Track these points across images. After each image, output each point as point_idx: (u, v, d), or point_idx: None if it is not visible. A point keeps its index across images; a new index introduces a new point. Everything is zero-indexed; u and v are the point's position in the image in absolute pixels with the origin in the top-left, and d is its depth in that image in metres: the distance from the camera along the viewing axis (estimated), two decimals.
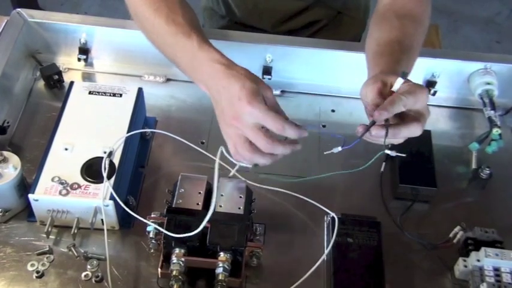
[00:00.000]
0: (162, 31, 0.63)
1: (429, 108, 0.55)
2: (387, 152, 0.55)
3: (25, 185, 0.64)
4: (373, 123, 0.54)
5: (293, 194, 0.66)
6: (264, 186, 0.67)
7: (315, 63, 0.78)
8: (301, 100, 0.79)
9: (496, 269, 0.58)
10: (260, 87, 0.55)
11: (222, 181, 0.62)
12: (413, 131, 0.54)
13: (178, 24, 0.62)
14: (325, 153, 0.57)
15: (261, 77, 0.78)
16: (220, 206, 0.60)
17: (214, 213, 0.59)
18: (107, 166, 0.61)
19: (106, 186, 0.60)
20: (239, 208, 0.60)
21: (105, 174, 0.60)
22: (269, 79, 0.78)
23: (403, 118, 0.55)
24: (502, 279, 0.57)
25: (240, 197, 0.61)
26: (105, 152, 0.63)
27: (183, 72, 0.64)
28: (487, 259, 0.58)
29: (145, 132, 0.71)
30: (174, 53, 0.63)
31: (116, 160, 0.63)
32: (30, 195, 0.60)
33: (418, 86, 0.54)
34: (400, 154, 0.56)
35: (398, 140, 0.56)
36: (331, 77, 0.79)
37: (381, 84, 0.55)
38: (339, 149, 0.56)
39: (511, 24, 2.02)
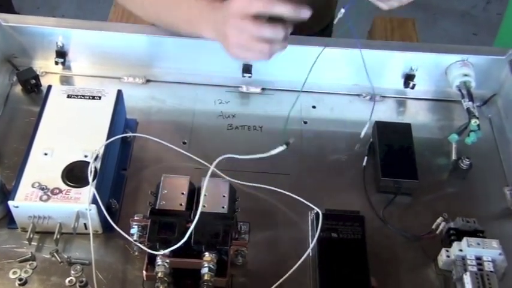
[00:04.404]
0: None
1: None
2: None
3: (4, 192, 0.63)
4: None
5: (277, 190, 0.66)
6: (248, 184, 0.67)
7: (295, 60, 0.78)
8: (282, 97, 0.79)
9: (478, 258, 0.59)
10: None
11: (205, 181, 0.62)
12: None
13: None
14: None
15: (241, 75, 0.78)
16: (204, 206, 0.60)
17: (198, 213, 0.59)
18: (93, 170, 0.60)
19: (88, 191, 0.59)
20: (223, 207, 0.60)
21: (90, 179, 0.60)
22: (249, 77, 0.78)
23: None
24: (484, 267, 0.58)
25: (224, 196, 0.61)
26: (86, 156, 0.62)
27: (184, 31, 0.69)
28: (469, 248, 0.59)
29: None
30: (177, 11, 0.68)
31: (97, 164, 0.62)
32: (10, 202, 0.59)
33: None
34: None
35: None
36: (311, 73, 0.79)
37: None
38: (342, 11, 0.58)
39: (488, 16, 2.05)
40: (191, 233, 0.56)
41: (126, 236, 0.58)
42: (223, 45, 0.65)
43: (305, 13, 0.58)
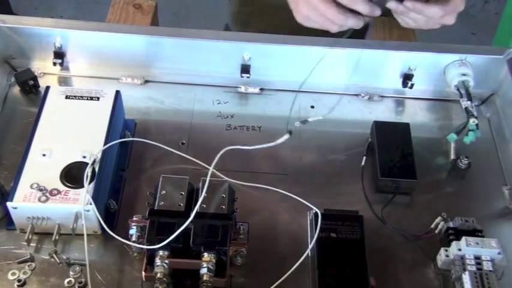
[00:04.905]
0: None
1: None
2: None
3: (3, 193, 0.62)
4: None
5: (276, 190, 0.66)
6: (247, 184, 0.67)
7: (293, 60, 0.79)
8: (281, 97, 0.79)
9: (477, 258, 0.59)
10: None
11: (204, 181, 0.62)
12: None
13: None
14: None
15: (239, 75, 0.78)
16: (203, 206, 0.60)
17: (197, 213, 0.59)
18: (89, 174, 0.60)
19: (87, 192, 0.59)
20: (222, 208, 0.60)
21: (86, 183, 0.59)
22: (248, 77, 0.78)
23: None
24: (482, 267, 0.58)
25: (223, 196, 0.61)
26: (84, 157, 0.62)
27: None
28: (468, 248, 0.59)
29: (125, 136, 0.71)
30: None
31: (95, 165, 0.62)
32: (8, 203, 0.59)
33: None
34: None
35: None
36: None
37: None
38: None
39: (486, 16, 2.05)
40: (191, 234, 0.57)
41: (123, 240, 0.58)
42: (293, 10, 0.68)
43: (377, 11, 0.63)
